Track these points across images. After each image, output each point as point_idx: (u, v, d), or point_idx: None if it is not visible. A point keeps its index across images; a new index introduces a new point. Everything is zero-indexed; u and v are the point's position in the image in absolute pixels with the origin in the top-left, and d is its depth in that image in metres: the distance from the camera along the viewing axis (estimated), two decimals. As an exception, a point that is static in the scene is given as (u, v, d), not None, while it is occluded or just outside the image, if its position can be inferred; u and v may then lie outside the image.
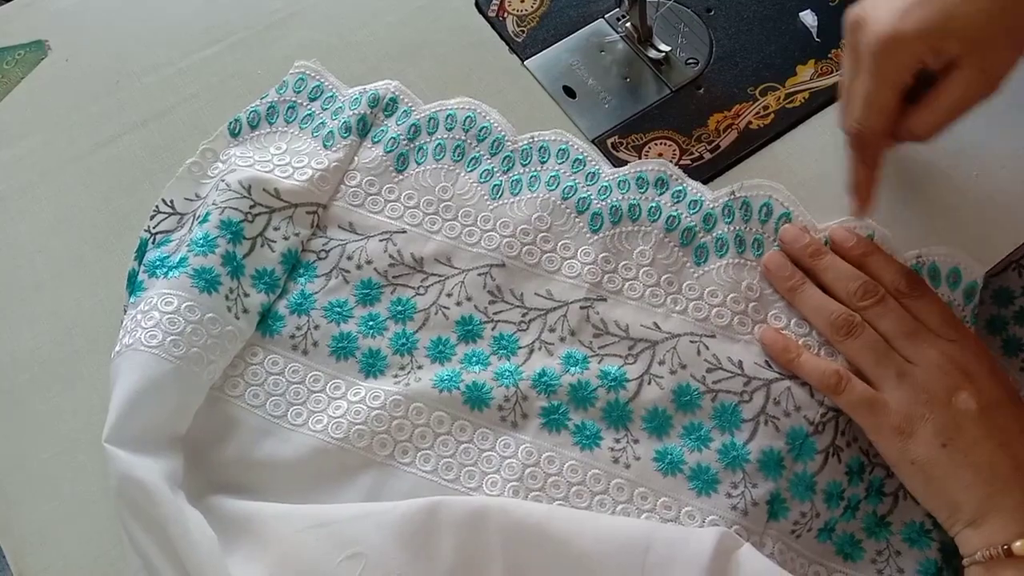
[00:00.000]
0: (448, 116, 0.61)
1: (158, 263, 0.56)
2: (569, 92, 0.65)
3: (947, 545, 0.51)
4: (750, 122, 0.63)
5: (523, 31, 0.68)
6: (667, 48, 0.65)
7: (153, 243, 0.58)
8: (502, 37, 0.68)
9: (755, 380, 0.52)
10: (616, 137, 0.63)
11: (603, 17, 0.68)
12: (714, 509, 0.50)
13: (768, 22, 0.66)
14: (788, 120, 0.62)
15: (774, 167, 0.60)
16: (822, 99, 0.62)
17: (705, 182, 0.61)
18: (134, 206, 0.62)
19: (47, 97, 0.67)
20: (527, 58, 0.67)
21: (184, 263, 0.54)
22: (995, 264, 0.56)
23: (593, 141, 0.62)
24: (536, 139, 0.61)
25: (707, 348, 0.53)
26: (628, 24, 0.66)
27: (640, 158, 0.61)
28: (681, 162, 0.61)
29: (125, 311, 0.56)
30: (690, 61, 0.65)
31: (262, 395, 0.55)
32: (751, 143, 0.62)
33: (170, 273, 0.54)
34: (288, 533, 0.49)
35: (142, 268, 0.56)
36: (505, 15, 0.69)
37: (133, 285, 0.56)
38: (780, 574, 0.46)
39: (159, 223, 0.58)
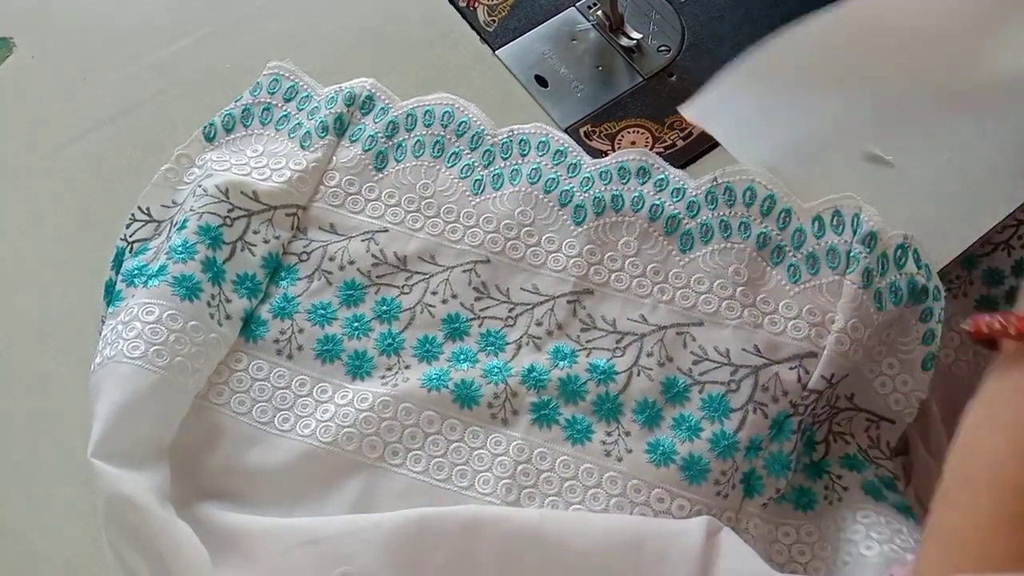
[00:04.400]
0: (426, 112, 0.61)
1: (136, 272, 0.55)
2: (541, 81, 0.65)
3: (882, 477, 0.53)
4: (724, 109, 0.63)
5: (494, 21, 0.67)
6: (639, 36, 0.65)
7: (130, 252, 0.57)
8: (473, 27, 0.67)
9: (742, 368, 0.53)
10: (589, 126, 0.63)
11: (574, 5, 0.67)
12: (702, 498, 0.51)
13: (739, 8, 0.66)
14: (761, 107, 0.63)
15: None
16: (795, 86, 0.63)
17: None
18: (104, 204, 0.61)
19: (13, 95, 0.65)
20: (498, 48, 0.66)
21: (164, 271, 0.53)
22: (973, 244, 0.56)
23: (566, 130, 0.62)
24: (516, 132, 0.60)
25: (694, 339, 0.54)
26: (599, 12, 0.66)
27: (613, 146, 0.61)
28: (654, 149, 0.61)
29: (103, 321, 0.55)
30: (662, 48, 0.65)
31: (248, 402, 0.54)
32: (724, 130, 0.62)
33: (149, 282, 0.53)
34: (276, 551, 0.49)
35: (120, 278, 0.56)
36: (476, 5, 0.68)
37: (111, 295, 0.55)
38: (753, 555, 0.48)
39: (135, 231, 0.57)
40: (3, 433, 0.55)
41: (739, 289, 0.55)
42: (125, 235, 0.57)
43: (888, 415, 0.53)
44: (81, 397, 0.53)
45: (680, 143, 0.62)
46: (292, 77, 0.63)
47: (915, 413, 0.53)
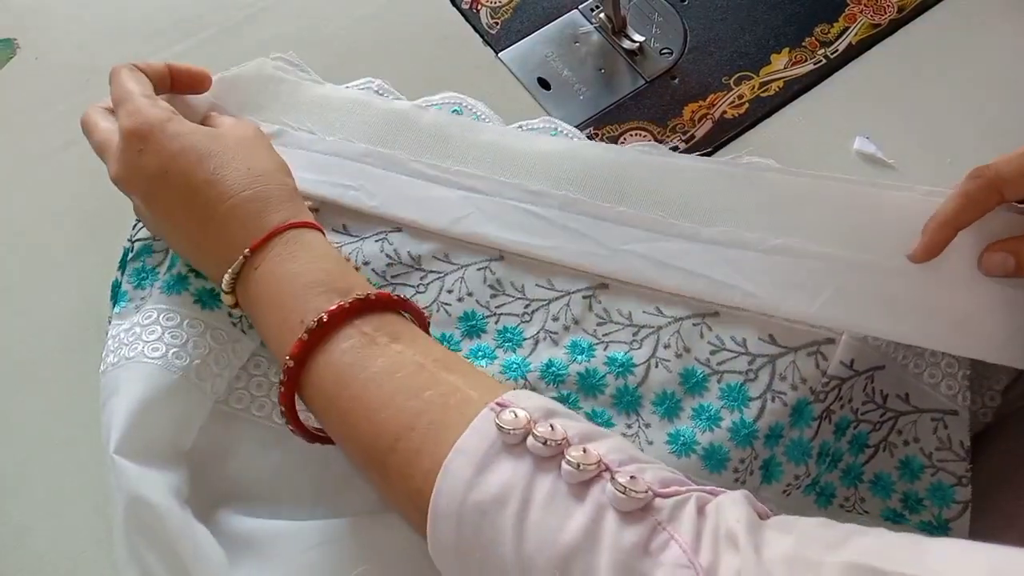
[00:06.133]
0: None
1: (142, 273, 0.55)
2: (544, 84, 0.66)
3: (909, 495, 0.54)
4: (725, 112, 0.64)
5: (497, 23, 0.68)
6: (641, 38, 0.66)
7: (135, 253, 0.57)
8: (476, 29, 0.68)
9: (760, 357, 0.53)
10: (591, 128, 0.64)
11: (577, 8, 0.69)
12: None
13: (742, 11, 0.68)
14: (763, 109, 0.64)
15: (747, 156, 0.62)
16: (796, 87, 0.64)
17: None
18: (106, 205, 0.60)
19: (17, 96, 0.65)
20: (501, 50, 0.67)
21: (185, 283, 0.54)
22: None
23: (568, 133, 0.63)
24: (523, 127, 0.61)
25: (710, 330, 0.54)
26: (602, 15, 0.67)
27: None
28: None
29: (109, 321, 0.54)
30: (664, 51, 0.67)
31: (268, 405, 0.54)
32: (726, 133, 0.63)
33: (170, 290, 0.53)
34: (296, 552, 0.49)
35: (125, 278, 0.56)
36: (479, 7, 0.69)
37: (117, 296, 0.55)
38: None
39: (139, 231, 0.57)
40: (7, 433, 0.55)
41: None
42: (131, 236, 0.57)
43: (947, 407, 0.54)
44: (84, 397, 0.53)
45: (682, 146, 0.63)
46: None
47: (968, 396, 0.53)
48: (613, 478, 0.38)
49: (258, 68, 0.62)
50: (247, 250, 0.48)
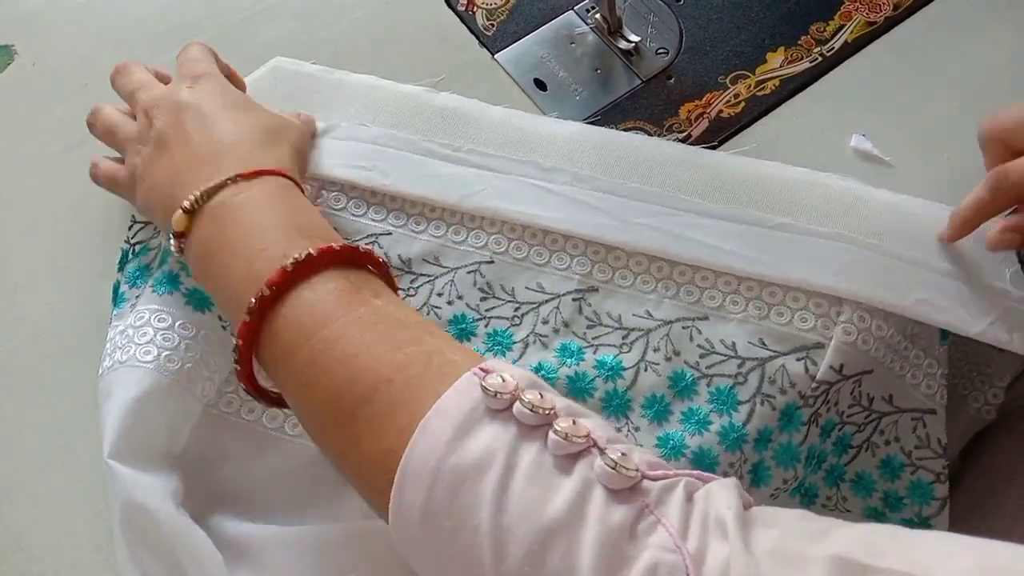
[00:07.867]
0: (429, 113, 0.61)
1: (138, 273, 0.56)
2: (540, 85, 0.65)
3: (889, 494, 0.54)
4: (721, 111, 0.63)
5: (493, 25, 0.68)
6: (637, 38, 0.66)
7: (132, 253, 0.57)
8: (472, 31, 0.68)
9: (749, 361, 0.53)
10: (588, 129, 0.63)
11: (572, 9, 0.68)
12: None
13: (737, 10, 0.67)
14: (759, 108, 0.63)
15: (745, 156, 0.61)
16: (792, 86, 0.63)
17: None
18: (105, 209, 0.61)
19: (15, 102, 0.66)
20: (497, 52, 0.67)
21: (176, 282, 0.54)
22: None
23: (566, 133, 0.62)
24: None
25: (700, 333, 0.54)
26: (597, 15, 0.67)
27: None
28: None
29: (111, 323, 0.55)
30: (660, 51, 0.66)
31: (258, 408, 0.54)
32: (722, 132, 0.63)
33: (161, 288, 0.54)
34: (289, 557, 0.49)
35: (123, 279, 0.56)
36: (474, 9, 0.68)
37: (116, 297, 0.56)
38: None
39: (136, 233, 0.58)
40: (6, 438, 0.55)
41: (743, 283, 0.55)
42: (128, 238, 0.58)
43: (927, 406, 0.54)
44: (84, 401, 0.54)
45: (679, 144, 0.62)
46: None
47: (946, 394, 0.53)
48: (603, 453, 0.36)
49: (270, 69, 0.63)
50: (236, 174, 0.46)
